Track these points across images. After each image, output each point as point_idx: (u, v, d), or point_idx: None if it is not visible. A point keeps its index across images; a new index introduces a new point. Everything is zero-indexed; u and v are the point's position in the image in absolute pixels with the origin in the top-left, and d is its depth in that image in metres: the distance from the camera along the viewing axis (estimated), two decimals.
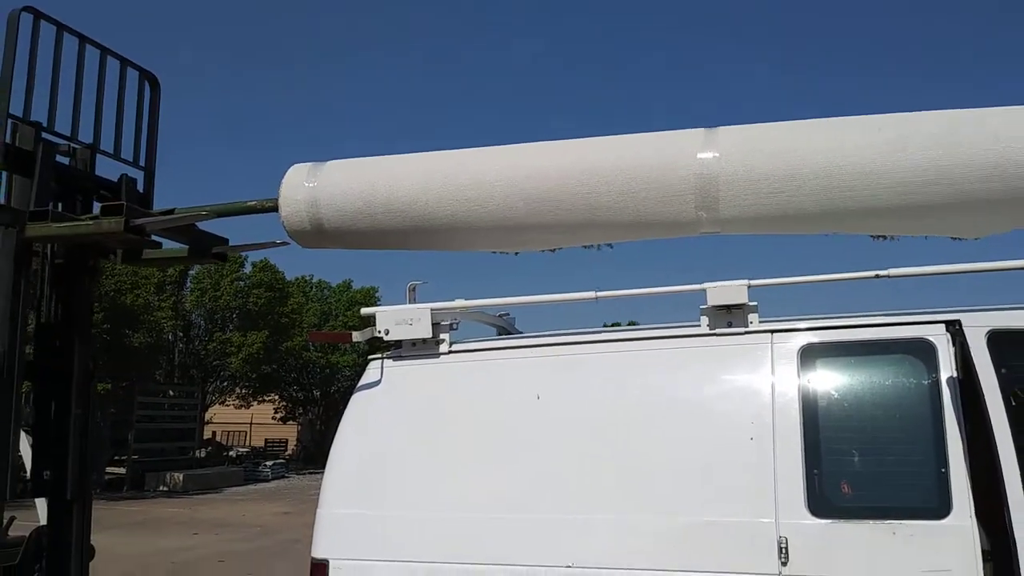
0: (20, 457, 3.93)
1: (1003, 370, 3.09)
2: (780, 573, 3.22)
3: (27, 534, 3.93)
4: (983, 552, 3.07)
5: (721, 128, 3.89)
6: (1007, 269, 3.66)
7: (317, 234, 4.33)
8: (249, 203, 4.52)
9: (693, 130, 3.93)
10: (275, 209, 4.34)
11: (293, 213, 4.28)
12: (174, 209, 4.46)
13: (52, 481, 3.99)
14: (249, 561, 12.16)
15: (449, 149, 4.30)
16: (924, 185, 3.51)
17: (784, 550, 3.22)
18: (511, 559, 3.56)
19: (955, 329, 3.30)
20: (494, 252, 4.42)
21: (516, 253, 4.40)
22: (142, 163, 4.61)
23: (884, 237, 3.97)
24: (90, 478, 4.22)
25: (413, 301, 4.14)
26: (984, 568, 3.05)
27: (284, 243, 4.49)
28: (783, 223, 3.77)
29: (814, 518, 3.25)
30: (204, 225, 4.45)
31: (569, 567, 3.46)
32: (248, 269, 29.45)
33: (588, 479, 3.58)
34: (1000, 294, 4.11)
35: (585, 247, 4.17)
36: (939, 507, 3.15)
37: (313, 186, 4.25)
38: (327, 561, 3.81)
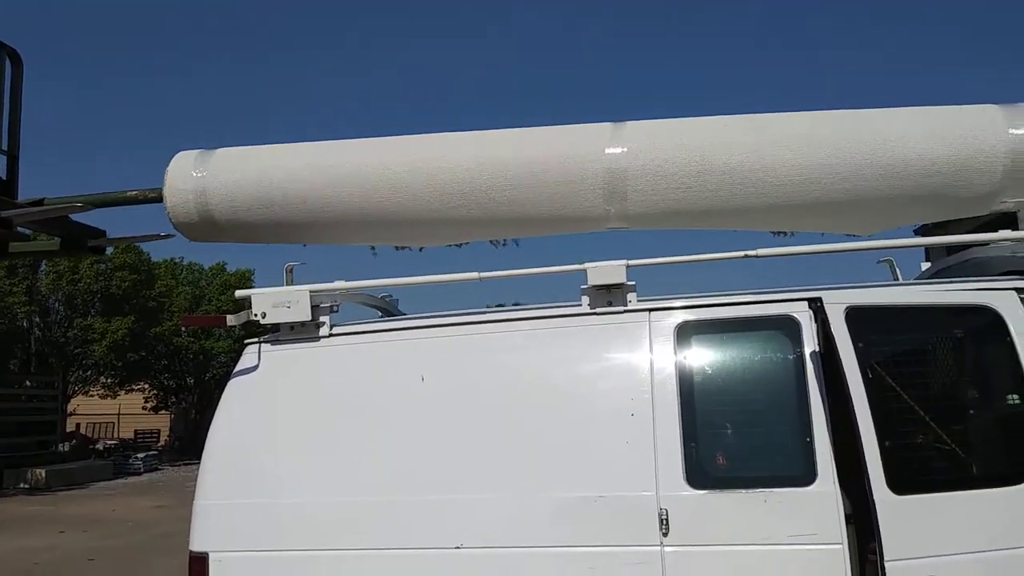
0: None
1: (860, 344, 3.28)
2: (661, 543, 3.33)
3: None
4: (846, 516, 3.28)
5: (629, 122, 3.94)
6: (863, 249, 3.91)
7: (207, 226, 4.14)
8: (130, 193, 4.27)
9: (601, 124, 3.96)
10: (159, 200, 4.12)
11: (179, 204, 4.08)
12: (44, 199, 4.14)
13: None
14: (121, 558, 11.57)
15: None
16: (823, 183, 3.71)
17: (665, 522, 3.33)
18: (397, 543, 3.52)
19: (816, 306, 3.49)
20: (398, 248, 4.33)
21: (421, 249, 4.32)
22: (4, 147, 4.24)
23: (785, 233, 4.15)
24: None
25: (291, 283, 4.01)
26: (847, 531, 3.26)
27: (169, 235, 4.27)
28: (689, 219, 3.87)
29: (692, 489, 3.37)
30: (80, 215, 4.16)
31: (458, 548, 3.46)
32: (110, 250, 27.77)
33: (473, 459, 3.59)
34: (861, 274, 4.40)
35: (492, 243, 4.14)
36: (805, 475, 3.33)
37: (202, 175, 4.06)
38: (207, 554, 3.66)
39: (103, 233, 4.37)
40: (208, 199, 4.05)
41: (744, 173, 3.74)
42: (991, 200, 3.75)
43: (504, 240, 4.16)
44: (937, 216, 4.08)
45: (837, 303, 3.40)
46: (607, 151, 3.81)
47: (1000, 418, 3.50)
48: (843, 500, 3.29)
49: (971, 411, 3.52)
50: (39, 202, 4.12)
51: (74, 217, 4.21)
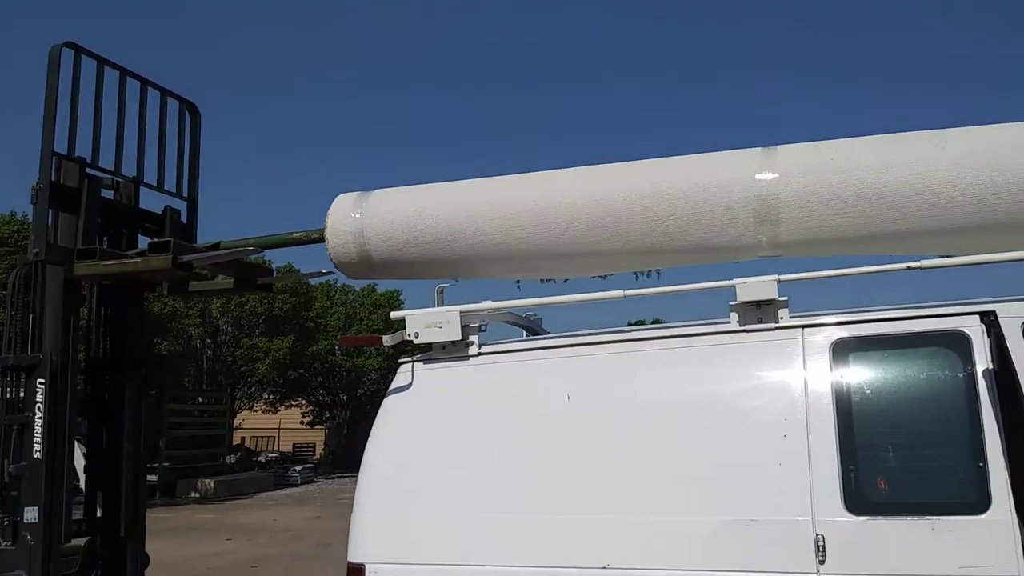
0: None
1: None
2: (818, 571, 3.20)
3: (82, 543, 4.01)
4: (1023, 546, 3.04)
5: (780, 147, 3.82)
6: None
7: (365, 265, 4.33)
8: (295, 235, 4.54)
9: (750, 150, 3.87)
10: (321, 240, 4.35)
11: (340, 244, 4.29)
12: (220, 243, 4.50)
13: (104, 516, 4.11)
14: (282, 565, 12.27)
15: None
16: (996, 203, 3.41)
17: (821, 548, 3.20)
18: (545, 560, 3.56)
19: (990, 320, 3.26)
20: (543, 281, 4.42)
21: (565, 280, 4.37)
22: (185, 193, 4.67)
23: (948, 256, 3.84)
24: (143, 506, 4.32)
25: (442, 303, 4.16)
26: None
27: (329, 273, 4.51)
28: (846, 245, 3.69)
29: (850, 515, 3.22)
30: None
31: (604, 568, 3.46)
32: (273, 274, 29.68)
33: (621, 479, 3.57)
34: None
35: (635, 274, 4.13)
36: (978, 502, 3.11)
37: (360, 216, 4.25)
38: (363, 566, 3.82)
39: (271, 272, 4.68)
40: (366, 239, 4.22)
41: (907, 195, 3.49)
42: None
43: (648, 271, 4.12)
44: None
45: (1014, 316, 3.17)
46: (757, 177, 3.71)
47: None
48: (1020, 529, 3.04)
49: None
50: (215, 246, 4.45)
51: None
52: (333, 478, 29.06)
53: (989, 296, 3.41)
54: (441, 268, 4.24)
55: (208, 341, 30.39)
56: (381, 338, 4.17)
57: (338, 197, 4.39)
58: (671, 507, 3.46)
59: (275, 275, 4.77)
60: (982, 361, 3.26)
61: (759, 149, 3.84)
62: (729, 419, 3.51)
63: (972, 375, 3.26)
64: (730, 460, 3.44)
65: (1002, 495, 3.08)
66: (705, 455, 3.49)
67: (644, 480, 3.54)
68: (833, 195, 3.57)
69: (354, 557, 3.89)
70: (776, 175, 3.67)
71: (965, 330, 3.34)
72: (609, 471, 3.60)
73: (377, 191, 4.39)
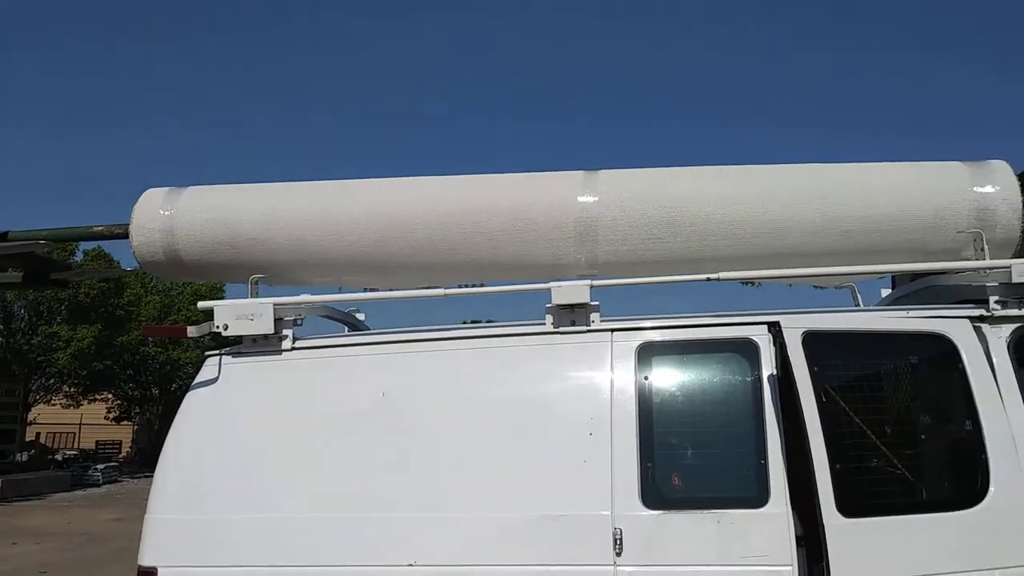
0: None
1: (815, 368, 3.34)
2: (615, 563, 3.34)
3: None
4: (797, 538, 3.31)
5: (602, 171, 4.04)
6: (822, 275, 3.99)
7: (174, 265, 4.16)
8: (95, 228, 4.32)
9: (573, 172, 4.05)
10: (125, 236, 4.14)
11: (146, 243, 4.10)
12: (7, 233, 4.13)
13: None
14: (74, 571, 11.34)
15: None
16: (796, 235, 3.86)
17: (619, 541, 3.35)
18: (351, 560, 3.50)
19: (775, 330, 3.54)
20: (366, 290, 4.37)
21: (390, 290, 4.32)
22: None
23: (753, 283, 4.25)
24: None
25: (256, 295, 3.99)
26: (797, 553, 3.30)
27: (133, 271, 4.27)
28: (658, 267, 3.94)
29: (647, 509, 3.39)
30: None
31: (411, 565, 3.45)
32: (79, 257, 27.37)
33: (431, 477, 3.58)
34: (825, 300, 4.49)
35: (460, 286, 4.15)
36: (758, 497, 3.37)
37: (170, 213, 4.06)
38: (155, 569, 3.61)
39: (68, 267, 4.38)
40: (176, 238, 4.06)
41: (715, 225, 3.86)
42: (955, 255, 3.87)
43: (472, 284, 4.18)
44: (905, 269, 4.07)
45: (795, 327, 3.45)
46: (579, 199, 3.91)
47: (950, 444, 3.57)
48: (795, 522, 3.32)
49: (922, 437, 3.58)
50: (3, 235, 4.10)
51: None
52: (139, 478, 27.21)
53: (777, 308, 3.70)
54: (259, 271, 4.09)
55: (0, 327, 27.61)
56: (186, 329, 3.95)
57: (147, 192, 4.19)
58: (479, 504, 3.50)
59: (73, 269, 4.41)
60: (768, 367, 3.55)
61: (581, 172, 4.01)
62: (539, 418, 3.60)
63: (759, 380, 3.54)
64: (538, 458, 3.54)
65: (780, 490, 3.36)
66: (514, 453, 3.56)
67: (454, 477, 3.56)
68: (647, 221, 3.87)
69: (146, 560, 3.66)
70: (597, 198, 3.90)
71: (755, 338, 3.61)
72: (420, 469, 3.60)
73: (190, 188, 4.20)
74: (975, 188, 3.83)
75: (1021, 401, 3.40)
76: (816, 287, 4.49)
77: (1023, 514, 3.23)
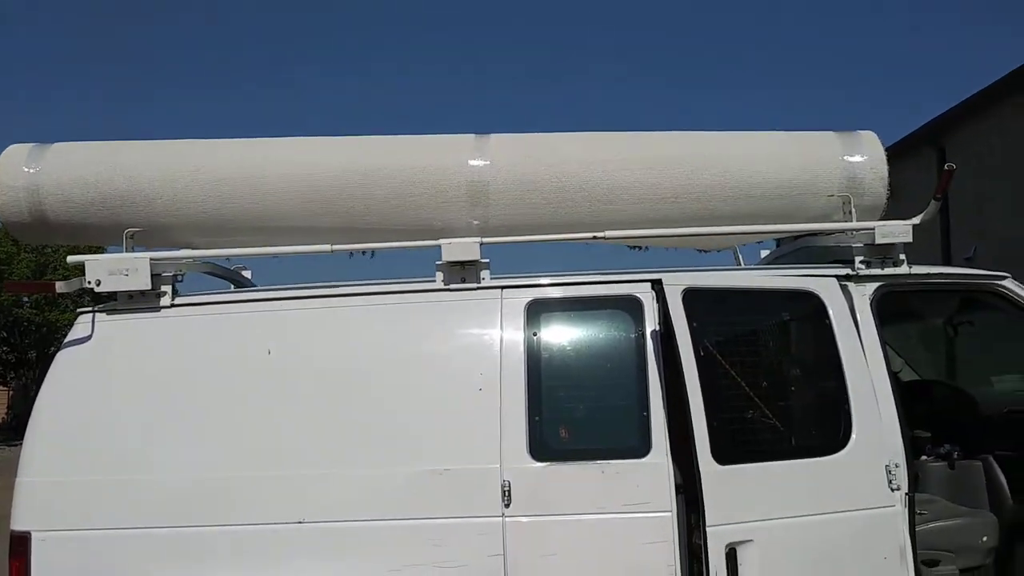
0: None
1: (694, 324, 3.47)
2: (503, 514, 3.41)
3: None
4: (676, 486, 3.47)
5: (493, 135, 4.03)
6: (702, 235, 4.13)
7: (40, 225, 3.94)
8: None
9: (463, 136, 4.03)
10: None
11: (9, 202, 3.87)
12: None
13: None
14: None
15: None
16: (678, 202, 3.95)
17: (507, 493, 3.42)
18: (236, 519, 3.45)
19: (658, 287, 3.65)
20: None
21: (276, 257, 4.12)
22: None
23: (639, 248, 4.34)
24: None
25: (131, 249, 3.82)
26: (677, 500, 3.45)
27: None
28: (549, 231, 3.96)
29: (534, 461, 3.47)
30: None
31: (300, 523, 3.42)
32: None
33: (319, 434, 3.56)
34: (709, 259, 4.66)
35: (350, 255, 4.00)
36: (640, 447, 3.50)
37: (35, 171, 3.84)
38: (29, 533, 3.46)
39: None
40: (42, 198, 3.85)
41: (604, 190, 3.92)
42: (828, 220, 4.06)
43: (364, 252, 4.06)
44: (777, 231, 4.30)
45: (676, 284, 3.56)
46: (470, 163, 3.90)
47: (817, 396, 3.80)
48: (674, 471, 3.47)
49: (792, 388, 3.80)
50: None
51: None
52: (16, 444, 25.80)
53: (660, 267, 3.82)
54: (137, 233, 3.89)
55: None
56: (55, 284, 3.75)
57: (9, 148, 3.94)
58: (368, 460, 3.51)
59: None
60: (651, 323, 3.66)
61: (472, 136, 4.00)
62: (429, 374, 3.62)
63: (643, 335, 3.66)
64: (428, 413, 3.56)
65: (661, 441, 3.50)
66: (404, 408, 3.58)
67: (342, 434, 3.55)
68: (538, 185, 3.90)
69: (18, 524, 3.51)
70: (488, 162, 3.91)
71: (639, 295, 3.72)
72: (307, 425, 3.56)
73: (57, 144, 3.98)
74: (845, 157, 4.03)
75: (882, 355, 3.65)
76: (700, 250, 4.64)
77: (880, 459, 3.48)
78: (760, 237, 4.41)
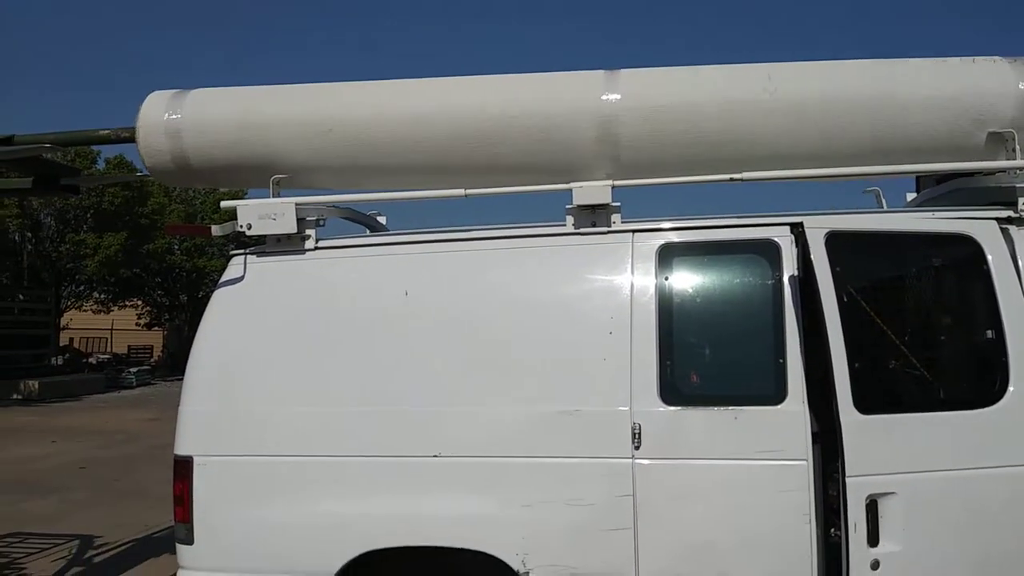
0: None
1: (838, 268, 3.32)
2: (632, 456, 3.44)
3: None
4: (813, 434, 3.38)
5: (623, 71, 3.88)
6: (851, 176, 3.91)
7: (182, 170, 4.10)
8: (101, 132, 4.24)
9: (593, 72, 3.90)
10: (132, 140, 4.06)
11: (153, 146, 4.03)
12: (13, 137, 4.07)
13: None
14: (112, 467, 11.84)
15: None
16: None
17: (637, 435, 3.43)
18: (378, 451, 3.62)
19: (798, 231, 3.51)
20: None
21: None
22: None
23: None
24: None
25: (277, 195, 4.01)
26: (813, 449, 3.37)
27: (143, 175, 4.23)
28: (682, 169, 3.82)
29: (665, 406, 3.46)
30: None
31: (436, 456, 3.57)
32: (101, 166, 27.45)
33: (453, 373, 3.66)
34: (843, 198, 4.40)
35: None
36: (776, 394, 3.42)
37: (178, 117, 3.99)
38: (191, 458, 3.76)
39: (77, 172, 4.33)
40: (184, 142, 3.99)
41: (737, 122, 3.73)
42: (984, 157, 3.73)
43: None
44: (935, 169, 3.99)
45: (818, 228, 3.42)
46: (601, 98, 3.78)
47: (971, 345, 3.58)
48: (811, 419, 3.38)
49: (942, 338, 3.59)
50: (8, 139, 4.04)
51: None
52: (172, 381, 27.98)
53: (801, 209, 3.66)
54: (269, 173, 4.04)
55: (28, 235, 28.02)
56: (210, 228, 4.00)
57: (152, 94, 4.10)
58: (502, 399, 3.59)
59: (82, 175, 4.40)
60: (789, 268, 3.54)
61: (602, 72, 3.89)
62: (560, 317, 3.65)
63: (780, 280, 3.54)
64: (559, 355, 3.59)
65: (798, 389, 3.40)
66: (536, 350, 3.62)
67: (477, 374, 3.64)
68: (672, 121, 3.74)
69: (181, 449, 3.81)
70: (619, 96, 3.76)
71: (776, 239, 3.59)
72: (443, 365, 3.67)
73: (196, 90, 4.12)
74: (1021, 85, 3.67)
75: None
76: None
77: None
78: (913, 174, 4.11)
